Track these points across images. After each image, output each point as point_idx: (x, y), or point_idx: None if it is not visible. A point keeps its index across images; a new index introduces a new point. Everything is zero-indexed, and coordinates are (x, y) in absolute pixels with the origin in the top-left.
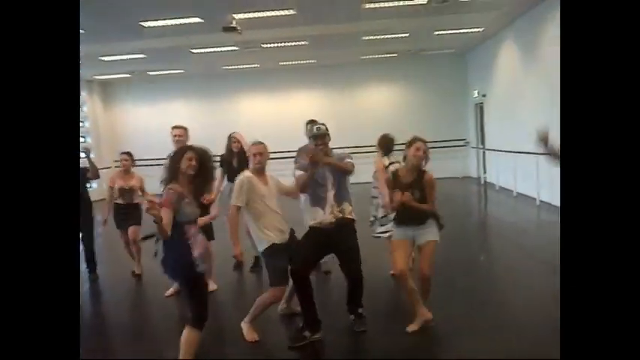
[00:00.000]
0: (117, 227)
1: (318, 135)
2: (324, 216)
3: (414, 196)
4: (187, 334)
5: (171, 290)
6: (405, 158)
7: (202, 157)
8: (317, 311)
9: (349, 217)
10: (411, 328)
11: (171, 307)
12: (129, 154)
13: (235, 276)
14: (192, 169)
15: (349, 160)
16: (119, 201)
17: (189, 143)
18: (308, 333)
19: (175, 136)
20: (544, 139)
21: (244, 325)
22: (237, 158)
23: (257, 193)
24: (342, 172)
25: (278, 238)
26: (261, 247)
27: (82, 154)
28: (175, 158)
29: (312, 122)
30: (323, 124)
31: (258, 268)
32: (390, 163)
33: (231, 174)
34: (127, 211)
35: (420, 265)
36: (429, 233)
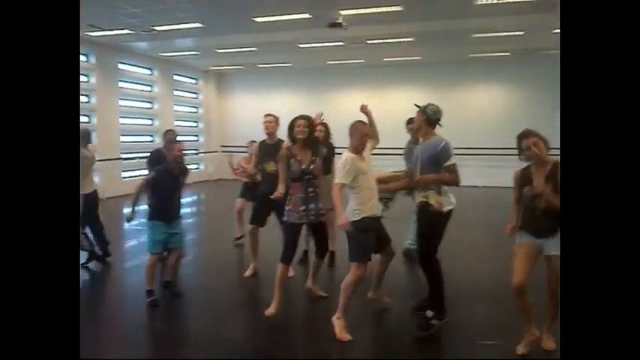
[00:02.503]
0: (239, 196)
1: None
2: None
3: (548, 191)
4: (277, 269)
5: (248, 272)
6: (527, 158)
7: (311, 125)
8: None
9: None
10: (520, 350)
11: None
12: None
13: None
14: (303, 134)
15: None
16: (245, 180)
17: (279, 131)
18: (436, 321)
19: (265, 122)
20: None
21: (336, 322)
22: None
23: (359, 170)
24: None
25: (370, 212)
26: (352, 218)
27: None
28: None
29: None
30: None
31: (306, 260)
32: None
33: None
34: (250, 187)
35: (547, 279)
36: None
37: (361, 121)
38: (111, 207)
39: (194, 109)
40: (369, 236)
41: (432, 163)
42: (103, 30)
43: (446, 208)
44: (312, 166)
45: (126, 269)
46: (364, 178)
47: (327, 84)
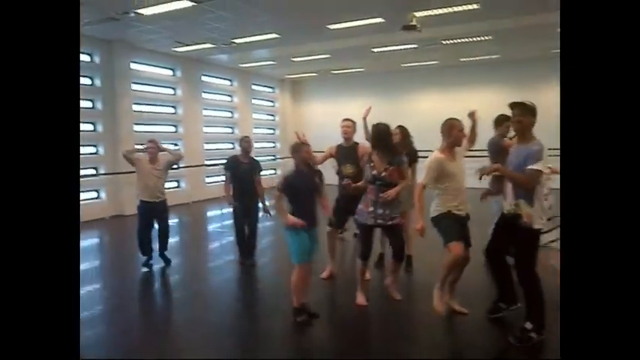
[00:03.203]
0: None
1: None
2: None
3: None
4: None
5: (325, 274)
6: None
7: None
8: (544, 309)
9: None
10: None
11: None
12: None
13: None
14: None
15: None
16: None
17: (355, 135)
18: (534, 334)
19: (343, 127)
20: None
21: (436, 292)
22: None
23: (445, 171)
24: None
25: (454, 210)
26: (434, 213)
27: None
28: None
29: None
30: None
31: (382, 264)
32: None
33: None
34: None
35: None
36: None
37: (455, 118)
38: (196, 211)
39: (271, 117)
40: (454, 221)
41: (522, 167)
42: (188, 45)
43: (537, 226)
44: (384, 173)
45: (210, 269)
46: (452, 180)
47: (401, 87)
